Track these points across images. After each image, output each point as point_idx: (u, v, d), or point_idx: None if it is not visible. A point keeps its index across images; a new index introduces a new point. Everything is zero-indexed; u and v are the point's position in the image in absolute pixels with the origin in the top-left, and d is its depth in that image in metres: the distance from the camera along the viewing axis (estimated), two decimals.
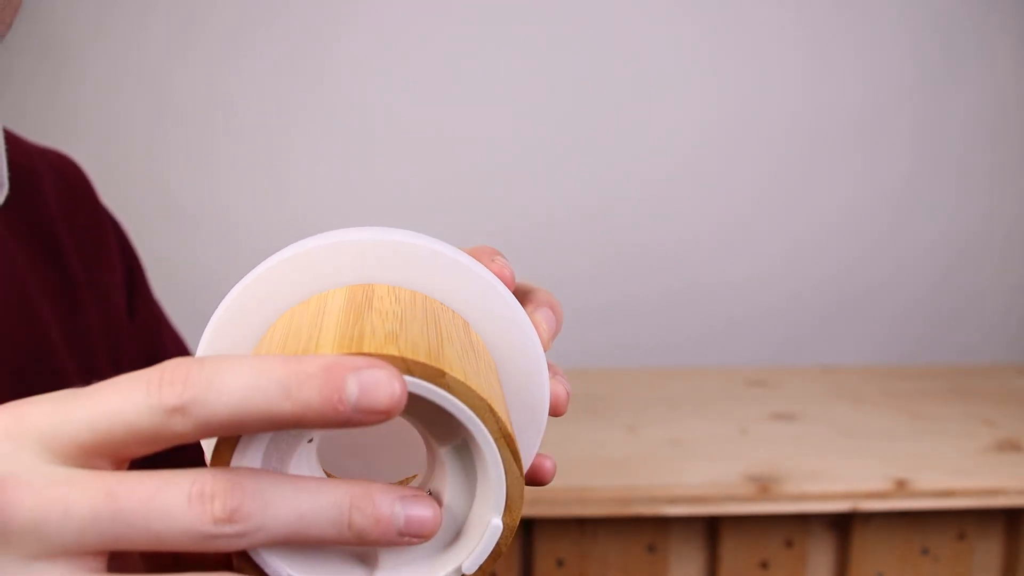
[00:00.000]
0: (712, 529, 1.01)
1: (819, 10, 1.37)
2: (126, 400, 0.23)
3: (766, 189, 1.41)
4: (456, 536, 0.29)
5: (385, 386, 0.23)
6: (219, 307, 0.31)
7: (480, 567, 0.29)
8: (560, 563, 0.99)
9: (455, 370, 0.26)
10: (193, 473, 0.23)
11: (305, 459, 0.29)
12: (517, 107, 1.37)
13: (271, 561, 0.26)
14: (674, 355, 1.44)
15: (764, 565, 1.01)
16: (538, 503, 0.92)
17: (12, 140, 0.52)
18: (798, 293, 1.44)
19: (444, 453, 0.29)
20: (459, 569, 0.29)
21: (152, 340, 0.61)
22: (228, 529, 0.23)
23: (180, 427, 0.23)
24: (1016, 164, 1.44)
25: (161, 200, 1.36)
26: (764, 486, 0.93)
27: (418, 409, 0.28)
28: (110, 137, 1.34)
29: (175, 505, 0.23)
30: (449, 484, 0.29)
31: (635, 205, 1.41)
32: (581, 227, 1.40)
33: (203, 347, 0.32)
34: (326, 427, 0.24)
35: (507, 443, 0.28)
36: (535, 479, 0.35)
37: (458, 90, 1.36)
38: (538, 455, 0.34)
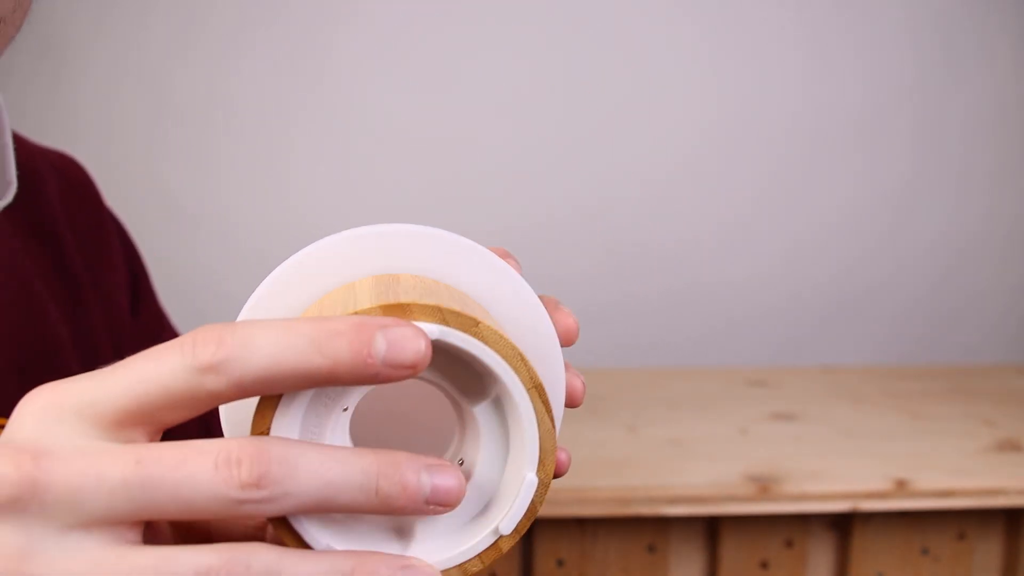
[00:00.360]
0: (712, 529, 1.01)
1: (819, 10, 1.37)
2: (161, 364, 0.24)
3: (766, 189, 1.41)
4: (491, 500, 0.30)
5: (412, 341, 0.24)
6: (241, 313, 0.31)
7: (516, 527, 0.29)
8: (560, 563, 0.99)
9: (488, 319, 0.27)
10: (221, 441, 0.24)
11: (340, 429, 0.29)
12: (517, 107, 1.37)
13: (310, 528, 0.27)
14: (674, 355, 1.44)
15: (764, 565, 1.01)
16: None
17: (17, 140, 0.53)
18: (798, 293, 1.44)
19: (476, 412, 0.29)
20: (496, 530, 0.29)
21: (154, 341, 0.61)
22: (256, 494, 0.23)
23: (214, 385, 0.24)
24: (1016, 164, 1.44)
25: (161, 200, 1.36)
26: (764, 486, 0.93)
27: (451, 367, 0.28)
28: (110, 137, 1.34)
29: (203, 471, 0.23)
30: (482, 447, 0.29)
31: (635, 205, 1.41)
32: (581, 227, 1.40)
33: None
34: (356, 382, 0.24)
35: (538, 393, 0.28)
36: (556, 471, 0.35)
37: (458, 90, 1.36)
38: None
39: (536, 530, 0.99)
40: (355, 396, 0.29)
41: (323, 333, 0.24)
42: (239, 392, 0.24)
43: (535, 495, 0.29)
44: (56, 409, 0.24)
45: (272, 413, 0.26)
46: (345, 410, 0.29)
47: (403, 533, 0.29)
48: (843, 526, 1.01)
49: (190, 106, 1.35)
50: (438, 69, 1.35)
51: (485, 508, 0.30)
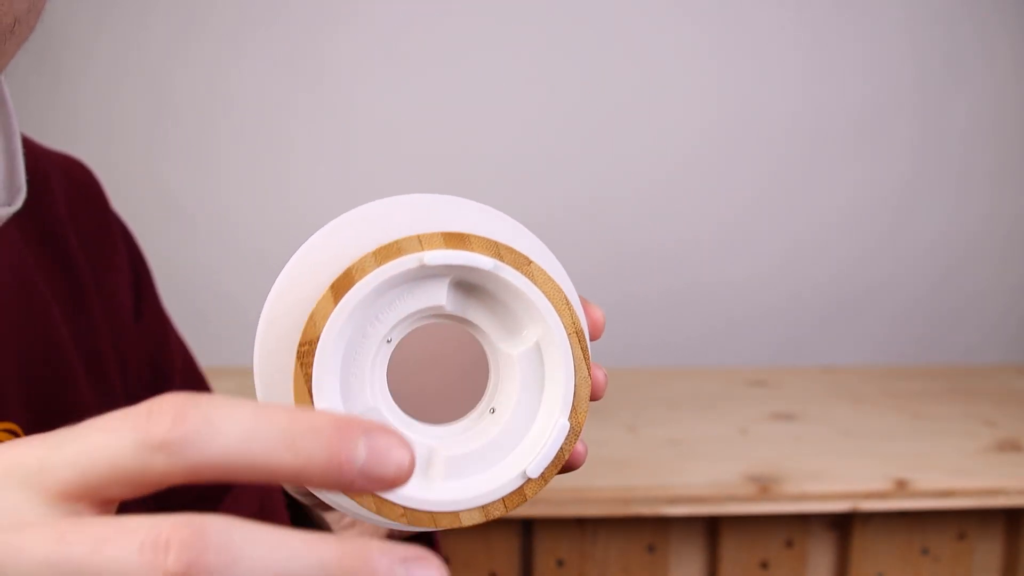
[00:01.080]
0: (712, 529, 1.01)
1: (819, 10, 1.37)
2: (111, 436, 0.22)
3: (766, 189, 1.41)
4: (519, 445, 0.30)
5: (396, 452, 0.21)
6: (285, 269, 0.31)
7: (543, 471, 0.30)
8: (560, 563, 0.99)
9: (537, 262, 0.28)
10: (155, 519, 0.21)
11: (380, 363, 0.29)
12: (517, 107, 1.37)
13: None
14: (674, 355, 1.44)
15: (764, 565, 1.01)
16: (538, 503, 0.92)
17: (24, 143, 0.53)
18: (798, 293, 1.44)
19: (516, 357, 0.29)
20: (523, 474, 0.29)
21: (157, 344, 0.61)
22: None
23: (163, 466, 0.21)
24: (1016, 164, 1.44)
25: (161, 200, 1.36)
26: (764, 486, 0.93)
27: (494, 310, 0.29)
28: (110, 137, 1.34)
29: (126, 554, 0.20)
30: (517, 392, 0.30)
31: (635, 205, 1.40)
32: (581, 227, 1.40)
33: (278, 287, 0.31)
34: (325, 488, 0.22)
35: (578, 340, 0.29)
36: (568, 463, 0.34)
37: (458, 90, 1.36)
38: None
39: (536, 530, 0.99)
40: (399, 329, 0.29)
41: (299, 427, 0.21)
42: (191, 476, 0.21)
43: (565, 441, 0.29)
44: (3, 475, 0.23)
45: (312, 357, 0.26)
46: (389, 342, 0.29)
47: (428, 472, 0.29)
48: (843, 526, 1.01)
49: (190, 106, 1.35)
50: (438, 69, 1.35)
51: (513, 452, 0.30)
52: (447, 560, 0.99)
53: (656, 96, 1.38)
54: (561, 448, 0.30)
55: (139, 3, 1.32)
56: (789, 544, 1.01)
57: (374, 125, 1.37)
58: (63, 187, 0.56)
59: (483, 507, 0.29)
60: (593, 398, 0.33)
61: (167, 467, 0.21)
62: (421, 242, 0.28)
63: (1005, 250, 1.46)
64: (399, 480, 0.22)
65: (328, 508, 0.45)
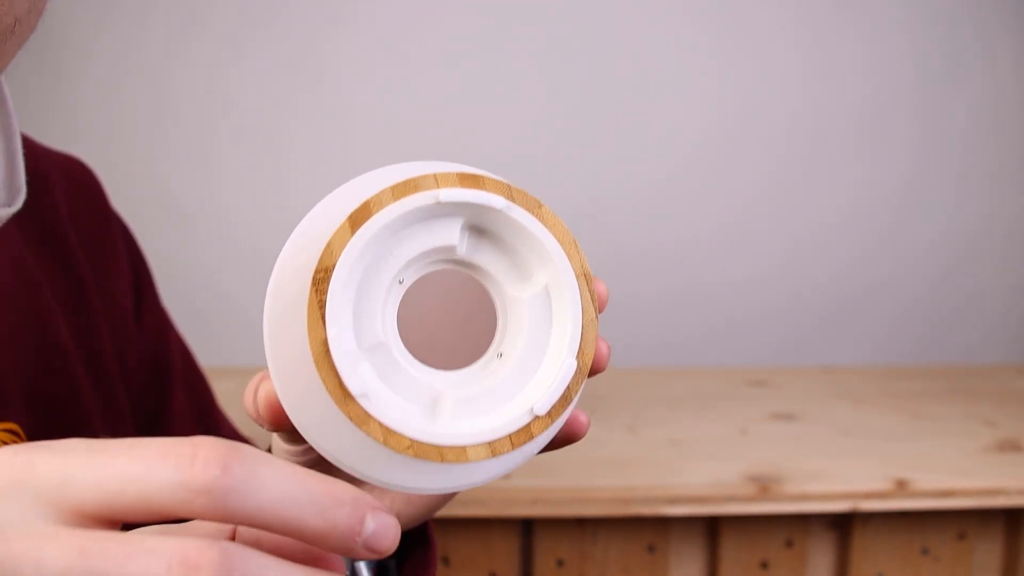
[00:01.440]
0: (712, 529, 1.01)
1: (819, 10, 1.37)
2: (149, 470, 0.23)
3: (766, 189, 1.41)
4: (528, 384, 0.30)
5: (393, 531, 0.25)
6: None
7: (550, 409, 0.30)
8: (560, 563, 0.99)
9: (548, 208, 0.29)
10: (178, 540, 0.22)
11: (392, 302, 0.30)
12: (516, 107, 1.37)
13: (354, 380, 0.28)
14: (674, 355, 1.44)
15: (764, 565, 1.01)
16: (538, 503, 0.92)
17: (25, 143, 0.53)
18: (798, 293, 1.44)
19: (526, 300, 0.30)
20: (531, 411, 0.30)
21: (157, 344, 0.61)
22: None
23: (203, 508, 0.23)
24: (1016, 164, 1.44)
25: (161, 200, 1.36)
26: (764, 486, 0.93)
27: (504, 254, 0.30)
28: (110, 137, 1.34)
29: (153, 571, 0.22)
30: (525, 334, 0.30)
31: (635, 205, 1.40)
32: (581, 227, 1.39)
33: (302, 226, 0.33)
34: (336, 550, 0.25)
35: (586, 282, 0.30)
36: (571, 434, 0.36)
37: (458, 90, 1.36)
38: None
39: (536, 530, 0.99)
40: (412, 270, 0.30)
41: (329, 499, 0.24)
42: (224, 520, 0.23)
43: (571, 380, 0.30)
44: (18, 485, 0.23)
45: (327, 284, 0.27)
46: (401, 282, 0.30)
47: (435, 411, 0.30)
48: (843, 526, 1.01)
49: (190, 106, 1.35)
50: (438, 69, 1.35)
51: (521, 392, 0.30)
52: (447, 560, 0.99)
53: (656, 96, 1.38)
54: (568, 387, 0.30)
55: (139, 3, 1.31)
56: (789, 544, 1.01)
57: (374, 125, 1.36)
58: (63, 187, 0.56)
59: (490, 443, 0.30)
60: (596, 369, 0.34)
61: (205, 511, 0.23)
62: (437, 180, 0.29)
63: (1005, 250, 1.46)
64: (387, 552, 0.25)
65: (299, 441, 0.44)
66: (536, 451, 0.35)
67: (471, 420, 0.30)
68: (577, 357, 0.30)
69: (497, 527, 0.98)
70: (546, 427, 0.30)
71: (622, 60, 1.36)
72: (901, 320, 1.46)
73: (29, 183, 0.50)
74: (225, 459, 0.23)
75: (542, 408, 0.30)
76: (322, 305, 0.28)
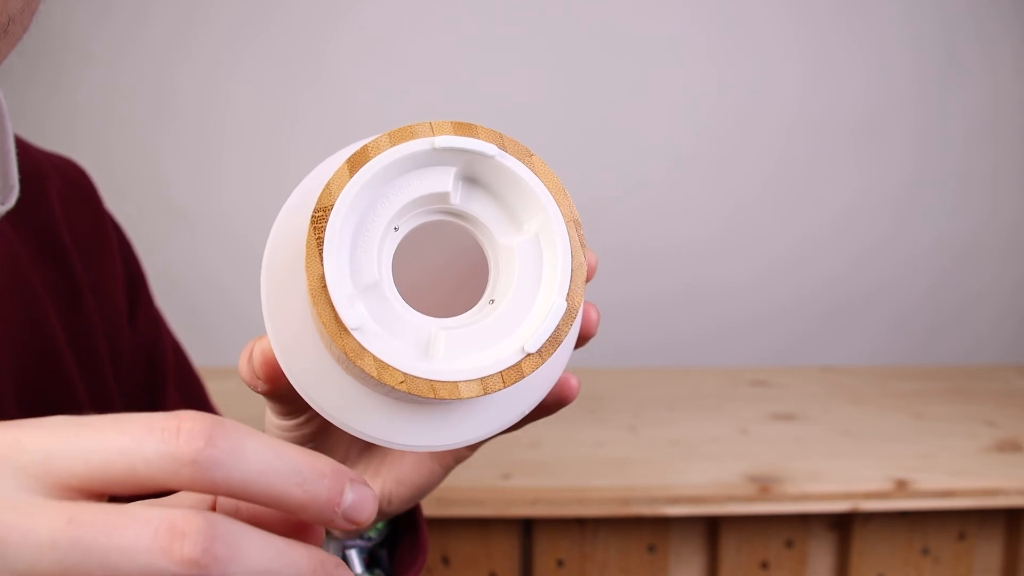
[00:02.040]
0: (712, 529, 1.01)
1: (819, 10, 1.37)
2: (135, 442, 0.23)
3: (766, 189, 1.41)
4: (519, 325, 0.32)
5: (371, 503, 0.26)
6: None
7: (540, 347, 0.31)
8: (560, 563, 0.99)
9: (538, 157, 0.30)
10: (164, 510, 0.23)
11: (388, 248, 0.31)
12: (515, 106, 1.37)
13: (350, 316, 0.29)
14: (674, 355, 1.44)
15: (764, 565, 1.01)
16: (538, 503, 0.92)
17: (19, 144, 0.53)
18: (798, 293, 1.44)
19: (515, 247, 0.31)
20: (522, 349, 0.31)
21: (150, 342, 0.61)
22: (195, 571, 0.22)
23: (187, 480, 0.23)
24: (1016, 164, 1.44)
25: (161, 200, 1.36)
26: (764, 486, 0.93)
27: (495, 202, 0.31)
28: (110, 137, 1.34)
29: (141, 540, 0.22)
30: (516, 278, 0.32)
31: (634, 205, 1.40)
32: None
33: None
34: (316, 521, 0.25)
35: (575, 227, 0.31)
36: (584, 332, 0.37)
37: (456, 89, 1.36)
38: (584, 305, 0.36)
39: (536, 530, 0.99)
40: (407, 218, 0.31)
41: (310, 470, 0.24)
42: (209, 490, 0.23)
43: (561, 320, 0.31)
44: (4, 462, 0.23)
45: (325, 222, 0.28)
46: (396, 229, 0.31)
47: (428, 351, 0.31)
48: (843, 526, 1.01)
49: (190, 106, 1.35)
50: (437, 68, 1.35)
51: (513, 332, 0.32)
52: (447, 560, 0.99)
53: (656, 95, 1.38)
54: (558, 327, 0.31)
55: (138, 3, 1.31)
56: (789, 544, 1.01)
57: (373, 124, 1.36)
58: (57, 187, 0.56)
59: (481, 379, 0.30)
60: (586, 334, 0.36)
61: (190, 482, 0.23)
62: (432, 128, 0.31)
63: (1005, 250, 1.46)
64: (364, 525, 0.26)
65: (292, 414, 0.44)
66: (528, 406, 0.35)
67: (463, 358, 0.31)
68: (567, 298, 0.31)
69: (497, 527, 0.98)
70: (536, 366, 0.31)
71: (621, 60, 1.36)
72: (901, 320, 1.46)
73: (23, 183, 0.50)
74: (210, 432, 0.23)
75: (533, 346, 0.31)
76: (320, 242, 0.29)
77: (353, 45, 1.34)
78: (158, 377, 0.61)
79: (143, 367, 0.60)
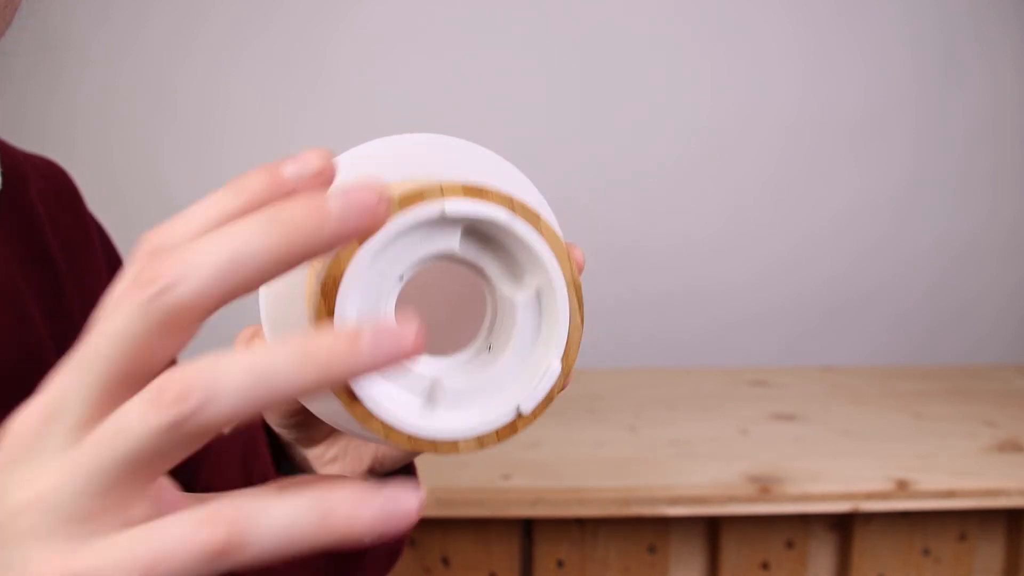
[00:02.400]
0: (713, 530, 1.00)
1: (819, 10, 1.37)
2: (136, 422, 0.23)
3: (766, 189, 1.41)
4: (515, 380, 0.33)
5: (369, 204, 0.24)
6: None
7: (534, 408, 0.32)
8: (560, 564, 0.99)
9: (545, 218, 0.31)
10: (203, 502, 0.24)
11: (391, 299, 0.32)
12: (515, 106, 1.37)
13: (360, 386, 0.30)
14: (674, 355, 1.44)
15: (765, 566, 1.01)
16: (538, 504, 0.92)
17: (0, 144, 0.53)
18: (798, 293, 1.44)
19: (517, 302, 0.33)
20: (517, 409, 0.32)
21: None
22: (183, 407, 0.23)
23: (188, 442, 0.24)
24: (1016, 164, 1.44)
25: (161, 200, 1.36)
26: (765, 487, 0.93)
27: (497, 254, 0.32)
28: (110, 137, 1.34)
29: (146, 418, 0.23)
30: (516, 332, 0.33)
31: (634, 205, 1.40)
32: (581, 227, 1.39)
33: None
34: (308, 255, 0.24)
35: (575, 291, 0.32)
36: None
37: (456, 88, 1.36)
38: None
39: (536, 530, 0.99)
40: (412, 266, 0.32)
41: (282, 206, 0.24)
42: (229, 422, 0.23)
43: (555, 382, 0.32)
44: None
45: (334, 299, 0.29)
46: (401, 279, 0.32)
47: (431, 401, 0.32)
48: (844, 527, 1.01)
49: (190, 106, 1.34)
50: (436, 67, 1.35)
51: (509, 389, 0.33)
52: (447, 560, 0.98)
53: (657, 95, 1.38)
54: (551, 388, 0.32)
55: (138, 3, 1.31)
56: (790, 545, 1.01)
57: (374, 124, 1.36)
58: (39, 188, 0.56)
59: (479, 437, 0.32)
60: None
61: (193, 436, 0.23)
62: (443, 191, 0.31)
63: (1005, 250, 1.46)
64: (375, 221, 0.24)
65: (312, 444, 0.46)
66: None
67: (463, 412, 0.32)
68: (561, 360, 0.32)
69: (497, 527, 0.98)
70: (528, 424, 0.32)
71: (621, 60, 1.36)
72: (901, 320, 1.46)
73: (6, 181, 0.51)
74: (187, 382, 0.23)
75: (527, 407, 0.32)
76: (331, 313, 0.30)
77: (353, 45, 1.34)
78: None
79: None
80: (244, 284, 0.25)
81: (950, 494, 0.94)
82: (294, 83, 1.35)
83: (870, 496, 0.93)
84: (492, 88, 1.36)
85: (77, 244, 0.57)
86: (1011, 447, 1.03)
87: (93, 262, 0.58)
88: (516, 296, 0.33)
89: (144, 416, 0.23)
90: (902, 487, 0.94)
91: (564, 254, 0.32)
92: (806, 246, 1.43)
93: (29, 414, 0.25)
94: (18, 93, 1.31)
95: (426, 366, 0.33)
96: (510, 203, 0.31)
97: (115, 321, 0.24)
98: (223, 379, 0.23)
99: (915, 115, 1.40)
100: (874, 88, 1.39)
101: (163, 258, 0.24)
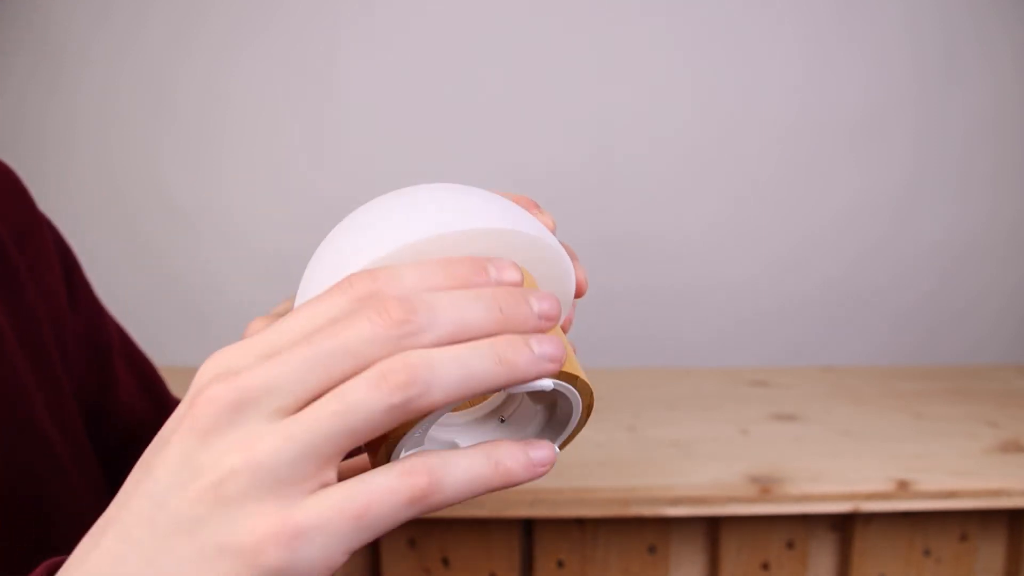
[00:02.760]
0: (713, 530, 1.00)
1: (819, 10, 1.37)
2: (361, 400, 0.28)
3: (766, 189, 1.41)
4: None
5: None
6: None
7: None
8: (560, 564, 0.99)
9: (580, 373, 0.34)
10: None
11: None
12: (515, 104, 1.37)
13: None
14: (674, 355, 1.44)
15: (765, 566, 1.01)
16: (538, 503, 0.92)
17: None
18: (798, 293, 1.44)
19: (539, 409, 0.37)
20: None
21: (93, 326, 0.64)
22: (408, 392, 0.27)
23: (405, 416, 0.28)
24: (1016, 164, 1.44)
25: (161, 200, 1.36)
26: (765, 487, 0.93)
27: (538, 395, 0.36)
28: (110, 137, 1.34)
29: (361, 384, 0.27)
30: (528, 420, 0.38)
31: (633, 204, 1.40)
32: (580, 226, 1.39)
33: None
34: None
35: (587, 412, 0.36)
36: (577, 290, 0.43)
37: (458, 89, 1.36)
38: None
39: (536, 531, 0.99)
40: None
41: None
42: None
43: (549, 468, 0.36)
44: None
45: (394, 448, 0.32)
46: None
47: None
48: (844, 527, 1.01)
49: (190, 106, 1.34)
50: (437, 68, 1.35)
51: None
52: (447, 561, 0.98)
53: (656, 95, 1.38)
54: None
55: (139, 3, 1.31)
56: (790, 545, 1.00)
57: (374, 124, 1.36)
58: None
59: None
60: (578, 295, 0.42)
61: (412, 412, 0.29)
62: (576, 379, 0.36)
63: (1006, 250, 1.46)
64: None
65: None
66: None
67: None
68: (560, 446, 0.38)
69: (497, 528, 0.98)
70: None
71: (620, 58, 1.36)
72: (902, 320, 1.46)
73: None
74: (411, 369, 0.28)
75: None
76: (389, 458, 0.32)
77: (354, 45, 1.34)
78: (105, 354, 0.64)
79: (89, 348, 0.62)
80: (461, 400, 0.29)
81: (951, 494, 0.94)
82: (294, 83, 1.34)
83: (871, 496, 0.93)
84: (495, 88, 1.36)
85: (28, 233, 0.59)
86: (1012, 447, 1.03)
87: (45, 255, 0.60)
88: (536, 405, 0.38)
89: (371, 396, 0.27)
90: (903, 487, 0.94)
91: (589, 394, 0.35)
92: (806, 246, 1.43)
93: (222, 390, 0.27)
94: (18, 93, 1.31)
95: (442, 431, 0.37)
96: (586, 387, 0.35)
97: (358, 396, 0.27)
98: (439, 371, 0.27)
99: (915, 115, 1.40)
100: (874, 88, 1.39)
101: (411, 357, 0.28)
